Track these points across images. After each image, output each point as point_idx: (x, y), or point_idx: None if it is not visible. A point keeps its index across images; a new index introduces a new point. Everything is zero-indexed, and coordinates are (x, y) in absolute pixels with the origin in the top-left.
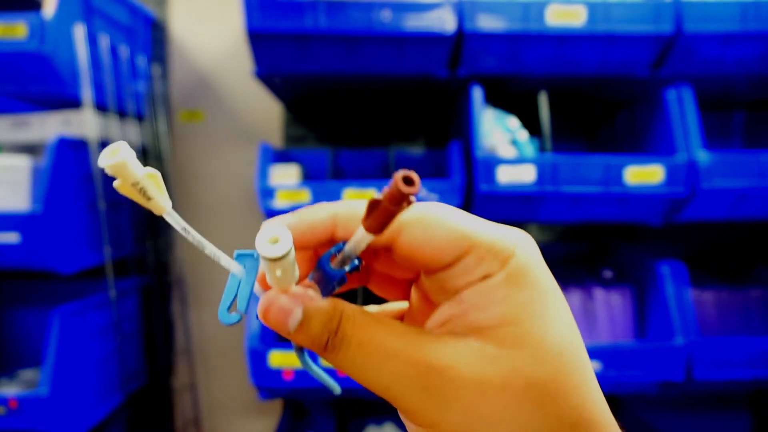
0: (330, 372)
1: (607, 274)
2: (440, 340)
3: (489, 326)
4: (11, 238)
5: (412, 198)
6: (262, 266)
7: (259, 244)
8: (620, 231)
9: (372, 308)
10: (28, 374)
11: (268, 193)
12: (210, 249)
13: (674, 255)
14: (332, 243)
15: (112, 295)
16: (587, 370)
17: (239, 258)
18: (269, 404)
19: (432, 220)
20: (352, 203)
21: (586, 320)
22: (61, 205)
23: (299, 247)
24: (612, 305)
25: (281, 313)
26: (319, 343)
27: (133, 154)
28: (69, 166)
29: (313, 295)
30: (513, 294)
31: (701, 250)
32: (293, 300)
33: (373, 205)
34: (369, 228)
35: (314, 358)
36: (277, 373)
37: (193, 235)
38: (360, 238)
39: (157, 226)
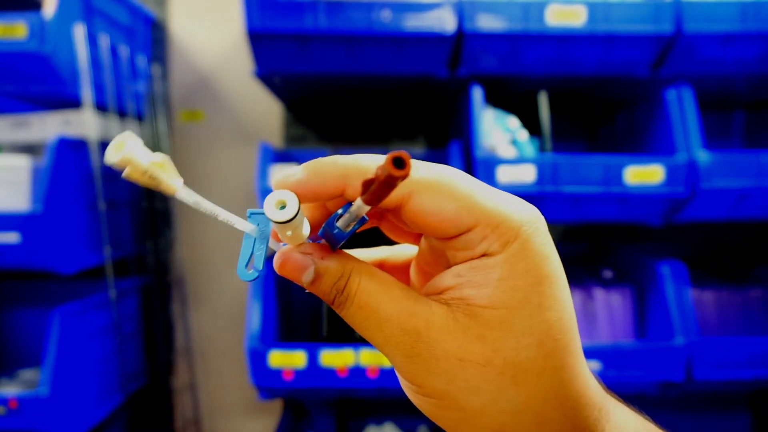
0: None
1: (607, 274)
2: (431, 312)
3: (479, 305)
4: (11, 238)
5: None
6: (274, 226)
7: (267, 208)
8: (620, 231)
9: (383, 250)
10: (28, 374)
11: (268, 193)
12: (224, 215)
13: (674, 255)
14: (342, 196)
15: (112, 295)
16: (571, 353)
17: (252, 218)
18: (269, 404)
19: (443, 188)
20: (363, 161)
21: (586, 320)
22: (61, 205)
23: (311, 200)
24: (612, 305)
25: (295, 269)
26: (329, 299)
27: (138, 143)
28: (69, 166)
29: (324, 252)
30: (507, 278)
31: (701, 250)
32: (306, 257)
33: (367, 184)
34: (366, 201)
35: None
36: (277, 373)
37: (205, 206)
38: (360, 206)
39: (156, 226)
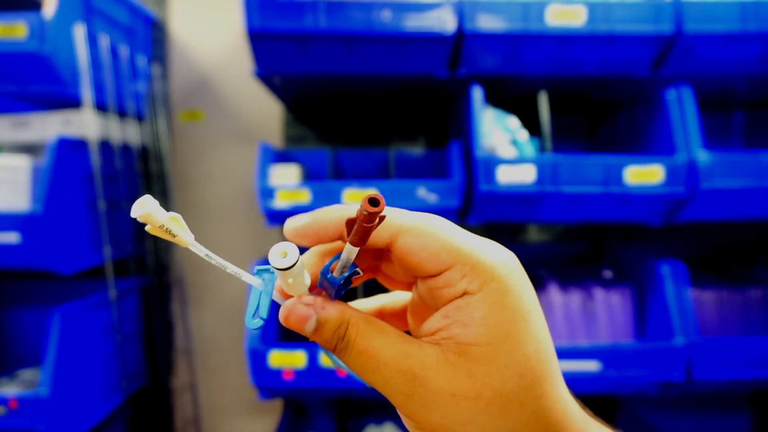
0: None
1: (607, 274)
2: (425, 353)
3: (466, 343)
4: (11, 238)
5: (383, 214)
6: (278, 278)
7: (271, 257)
8: (620, 231)
9: (380, 298)
10: (28, 374)
11: (268, 193)
12: (232, 268)
13: (674, 255)
14: (343, 240)
15: (112, 295)
16: (551, 380)
17: (258, 273)
18: (269, 404)
19: (424, 230)
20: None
21: (586, 320)
22: (61, 205)
23: (315, 241)
24: (612, 305)
25: (299, 320)
26: (330, 347)
27: (156, 204)
28: (69, 166)
29: (324, 302)
30: (488, 316)
31: (701, 250)
32: (308, 308)
33: (350, 223)
34: (352, 242)
35: None
36: (277, 373)
37: (216, 260)
38: (349, 250)
39: None
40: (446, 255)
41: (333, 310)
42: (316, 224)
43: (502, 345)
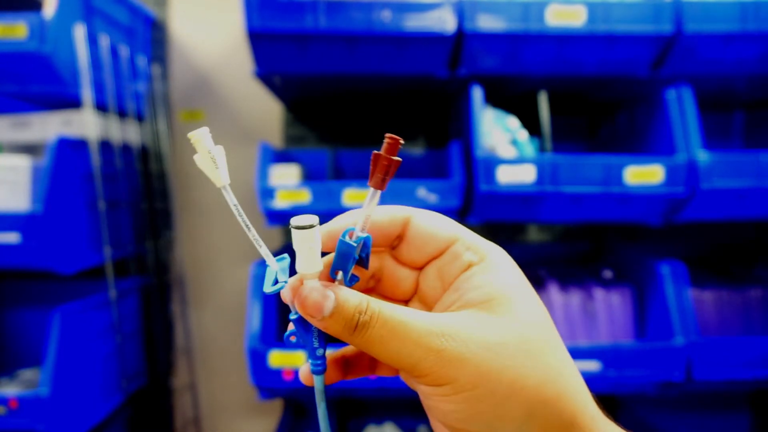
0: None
1: (607, 274)
2: (450, 315)
3: (482, 301)
4: (11, 238)
5: (400, 144)
6: (295, 241)
7: (293, 220)
8: (620, 231)
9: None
10: (29, 374)
11: (268, 193)
12: (254, 233)
13: (674, 255)
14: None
15: (112, 295)
16: (557, 335)
17: (277, 258)
18: (269, 404)
19: (432, 214)
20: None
21: (586, 320)
22: (61, 205)
23: (329, 243)
24: (612, 305)
25: (318, 300)
26: (351, 324)
27: (208, 134)
28: (69, 166)
29: (340, 286)
30: (494, 279)
31: (701, 250)
32: (326, 290)
33: (375, 157)
34: (376, 184)
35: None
36: (277, 373)
37: (241, 218)
38: (371, 195)
39: (157, 226)
40: (452, 230)
41: (351, 291)
42: (334, 225)
43: (513, 298)
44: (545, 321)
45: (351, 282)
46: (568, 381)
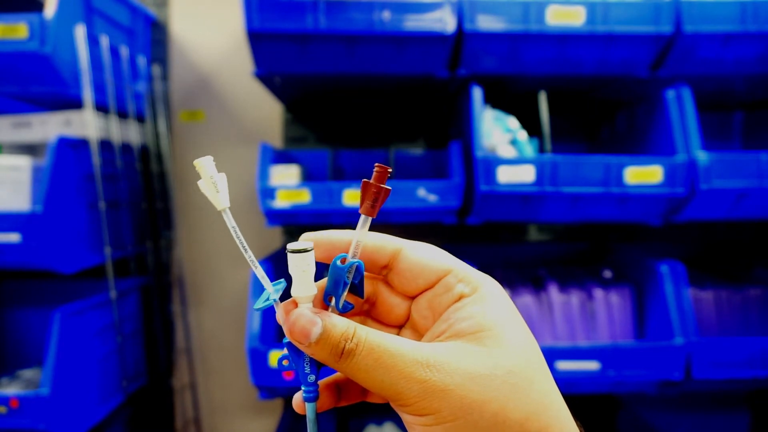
0: None
1: (607, 274)
2: (437, 345)
3: (471, 332)
4: (12, 238)
5: (389, 173)
6: (290, 264)
7: (289, 245)
8: (620, 231)
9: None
10: (29, 374)
11: (268, 193)
12: (250, 255)
13: (674, 255)
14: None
15: (112, 295)
16: (546, 368)
17: (274, 283)
18: (269, 404)
19: (425, 246)
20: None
21: (585, 320)
22: (61, 205)
23: (326, 254)
24: (612, 305)
25: (305, 325)
26: (336, 351)
27: (212, 162)
28: (69, 167)
29: (330, 314)
30: (484, 310)
31: (701, 250)
32: (314, 315)
33: (366, 185)
34: (366, 211)
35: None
36: (277, 373)
37: (239, 240)
38: (362, 222)
39: (157, 226)
40: (444, 263)
41: (339, 318)
42: (328, 238)
43: (503, 330)
44: (534, 354)
45: (345, 309)
46: (555, 415)
